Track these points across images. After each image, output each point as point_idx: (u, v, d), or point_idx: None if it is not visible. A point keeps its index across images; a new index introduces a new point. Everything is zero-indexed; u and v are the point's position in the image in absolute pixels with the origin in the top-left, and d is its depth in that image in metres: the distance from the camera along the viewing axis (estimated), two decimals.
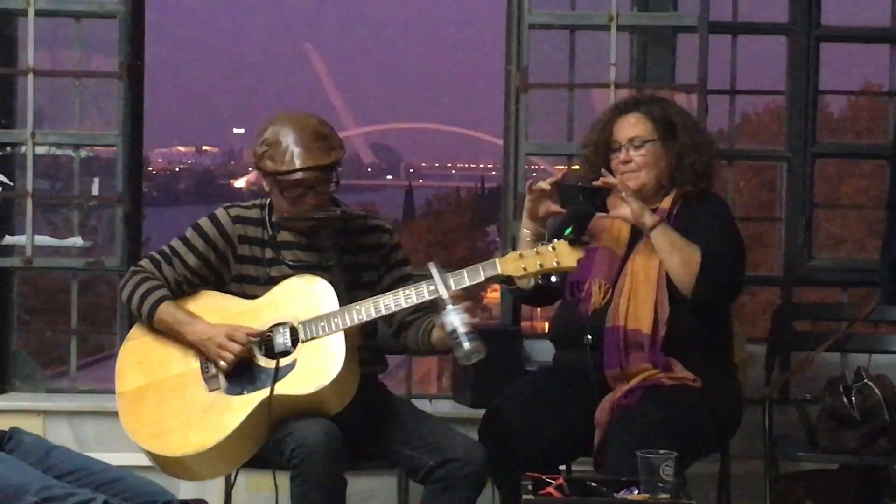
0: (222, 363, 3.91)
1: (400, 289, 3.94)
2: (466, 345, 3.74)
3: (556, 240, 3.85)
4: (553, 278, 3.89)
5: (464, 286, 3.89)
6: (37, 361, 5.63)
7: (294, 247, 4.11)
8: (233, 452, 3.88)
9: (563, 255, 3.83)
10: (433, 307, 3.92)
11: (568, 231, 3.90)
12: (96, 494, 3.42)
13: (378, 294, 3.98)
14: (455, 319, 3.77)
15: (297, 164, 3.95)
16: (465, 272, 3.89)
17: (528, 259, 3.85)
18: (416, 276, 4.13)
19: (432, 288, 3.88)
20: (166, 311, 4.00)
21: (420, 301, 3.91)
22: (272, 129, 4.00)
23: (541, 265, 3.84)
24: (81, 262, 5.42)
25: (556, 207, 4.19)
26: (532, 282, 3.91)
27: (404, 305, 3.92)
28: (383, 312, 3.91)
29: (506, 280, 3.93)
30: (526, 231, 4.25)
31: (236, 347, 3.89)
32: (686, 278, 4.04)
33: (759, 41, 5.69)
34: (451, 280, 3.87)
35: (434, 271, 3.87)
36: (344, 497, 3.86)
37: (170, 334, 4.02)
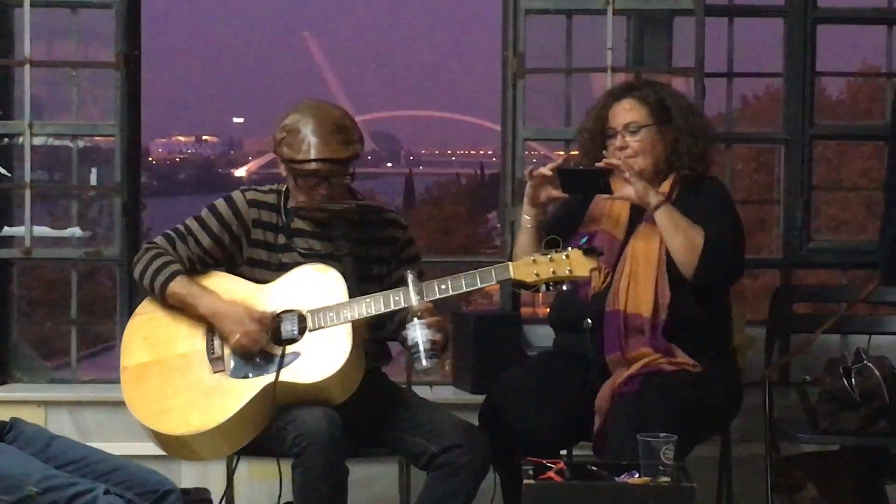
0: (233, 341, 3.91)
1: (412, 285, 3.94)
2: (425, 362, 3.77)
3: (570, 248, 3.84)
4: (563, 286, 3.89)
5: (475, 288, 3.89)
6: (37, 352, 5.63)
7: (307, 235, 4.11)
8: (234, 435, 3.89)
9: (576, 264, 3.83)
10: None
11: (583, 240, 3.91)
12: (97, 484, 3.43)
13: (385, 289, 3.98)
14: (418, 334, 3.78)
15: (313, 154, 3.94)
16: (476, 274, 3.89)
17: (540, 265, 3.84)
18: (425, 272, 4.12)
19: (443, 287, 3.89)
20: (180, 283, 4.01)
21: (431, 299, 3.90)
22: (293, 117, 4.00)
23: (553, 272, 3.84)
24: (80, 253, 5.42)
25: (557, 193, 4.19)
26: (543, 287, 3.90)
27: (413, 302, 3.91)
28: (392, 307, 3.91)
29: (516, 284, 3.93)
30: (527, 217, 4.26)
31: (254, 332, 3.90)
32: (689, 260, 4.05)
33: (756, 24, 5.69)
34: (425, 292, 3.87)
35: (410, 280, 3.87)
36: (346, 485, 3.86)
37: (180, 310, 4.03)
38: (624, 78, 5.07)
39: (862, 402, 4.47)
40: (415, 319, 3.80)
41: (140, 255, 4.12)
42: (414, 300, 3.84)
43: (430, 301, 3.88)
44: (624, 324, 4.10)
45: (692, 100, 4.83)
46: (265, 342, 3.92)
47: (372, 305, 3.90)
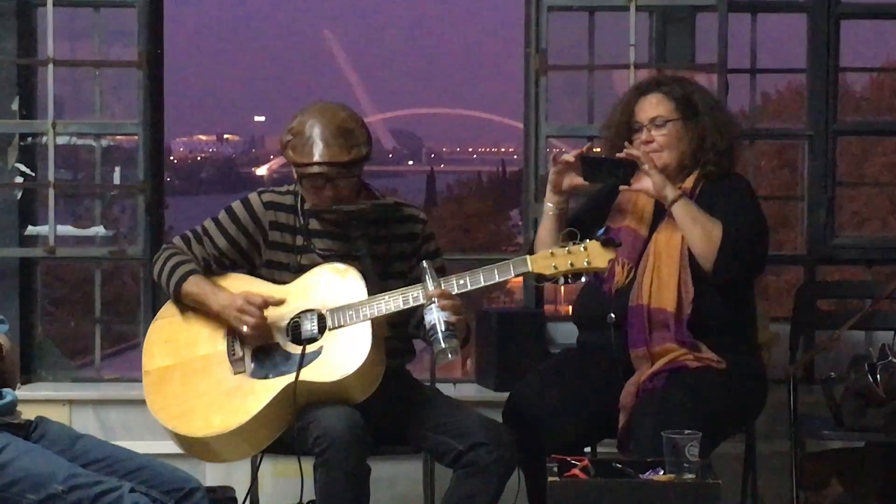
0: (244, 328, 3.92)
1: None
2: (442, 343, 3.76)
3: (587, 240, 3.84)
4: (583, 278, 3.89)
5: (494, 282, 3.90)
6: (62, 351, 5.65)
7: (325, 235, 4.11)
8: (255, 436, 3.90)
9: (594, 255, 3.82)
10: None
11: (600, 232, 3.91)
12: (123, 482, 3.44)
13: (409, 284, 3.98)
14: (434, 316, 3.79)
15: (315, 157, 3.95)
16: (495, 268, 3.88)
17: (558, 258, 3.84)
18: (447, 268, 4.12)
19: (462, 282, 3.88)
20: (194, 282, 4.02)
21: (424, 305, 3.88)
22: (300, 119, 4.01)
23: (571, 265, 3.83)
24: (104, 252, 5.43)
25: (579, 180, 4.21)
26: (561, 279, 3.91)
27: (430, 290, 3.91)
28: (411, 304, 3.90)
29: (535, 277, 3.93)
30: (549, 205, 4.27)
31: (255, 310, 3.91)
32: (707, 253, 4.04)
33: (779, 19, 5.68)
34: (438, 280, 3.87)
35: (427, 274, 3.87)
36: (367, 484, 3.86)
37: (197, 310, 4.05)
38: (646, 74, 5.06)
39: (887, 398, 4.44)
40: (431, 303, 3.81)
41: (157, 255, 4.15)
42: (431, 288, 3.84)
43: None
44: (648, 318, 4.10)
45: (716, 95, 4.82)
46: (270, 331, 3.94)
47: (391, 303, 3.90)
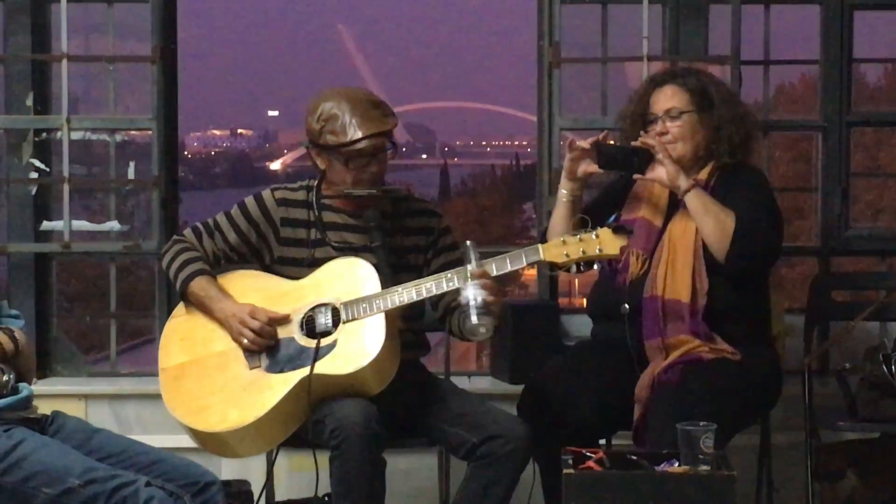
0: (244, 341, 3.94)
1: (442, 273, 3.94)
2: (473, 318, 3.77)
3: (599, 227, 3.84)
4: (595, 265, 3.89)
5: (506, 271, 3.89)
6: (77, 346, 5.66)
7: (340, 228, 4.12)
8: (271, 430, 3.90)
9: (606, 242, 3.82)
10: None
11: (612, 219, 3.91)
12: (139, 476, 3.45)
13: (422, 277, 3.98)
14: (471, 293, 3.79)
15: (361, 132, 3.96)
16: (507, 257, 3.89)
17: (570, 246, 3.84)
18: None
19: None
20: (200, 285, 4.03)
21: (461, 285, 3.90)
22: (325, 105, 4.01)
23: (583, 252, 3.83)
24: (119, 247, 5.45)
25: (594, 168, 4.21)
26: (574, 267, 3.91)
27: (445, 289, 3.91)
28: (424, 296, 3.91)
29: (548, 265, 3.93)
30: (563, 191, 4.28)
31: (256, 324, 3.91)
32: (720, 243, 4.04)
33: (792, 10, 5.67)
34: (457, 279, 3.88)
35: (469, 247, 3.87)
36: (383, 477, 3.87)
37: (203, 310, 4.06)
38: (660, 67, 5.05)
39: None
40: (470, 281, 3.81)
41: (167, 247, 4.17)
42: (472, 267, 3.84)
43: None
44: (662, 309, 4.10)
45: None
46: (297, 336, 3.94)
47: (405, 295, 3.91)
